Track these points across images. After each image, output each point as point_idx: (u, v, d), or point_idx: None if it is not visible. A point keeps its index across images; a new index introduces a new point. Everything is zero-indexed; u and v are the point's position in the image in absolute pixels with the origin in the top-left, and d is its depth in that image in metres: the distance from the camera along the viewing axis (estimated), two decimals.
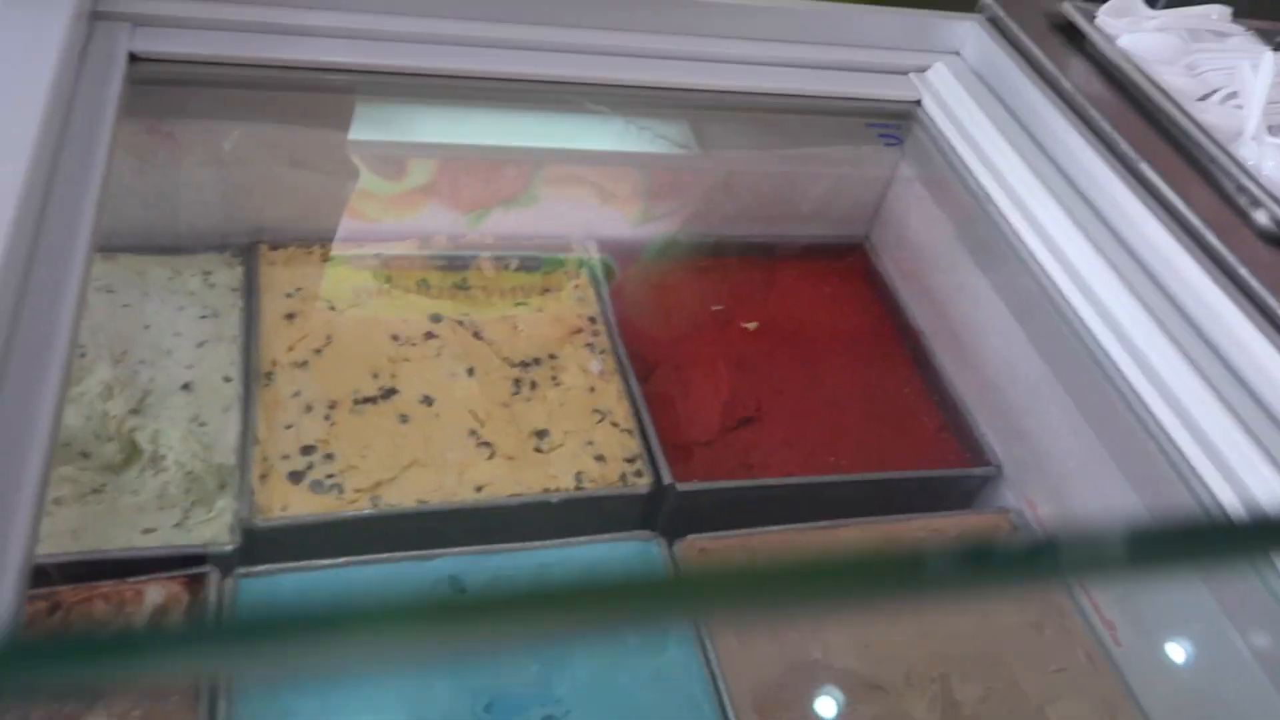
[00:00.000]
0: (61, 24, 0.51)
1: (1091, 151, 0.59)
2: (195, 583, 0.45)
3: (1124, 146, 0.58)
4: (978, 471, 0.60)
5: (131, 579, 0.44)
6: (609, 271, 0.66)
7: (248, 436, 0.51)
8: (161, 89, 0.56)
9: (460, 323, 0.60)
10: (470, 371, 0.57)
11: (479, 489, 0.51)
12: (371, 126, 0.66)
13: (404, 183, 0.66)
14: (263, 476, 0.49)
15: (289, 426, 0.52)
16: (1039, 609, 0.50)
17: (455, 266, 0.63)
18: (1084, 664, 0.49)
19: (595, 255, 0.67)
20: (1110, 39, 0.67)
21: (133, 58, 0.54)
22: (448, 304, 0.60)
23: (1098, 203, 0.58)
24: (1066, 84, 0.63)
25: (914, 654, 0.47)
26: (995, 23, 0.70)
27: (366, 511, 0.48)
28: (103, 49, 0.53)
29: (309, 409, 0.52)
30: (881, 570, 0.27)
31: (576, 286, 0.64)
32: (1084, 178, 0.59)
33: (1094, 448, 0.55)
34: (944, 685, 0.47)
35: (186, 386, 0.52)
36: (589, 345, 0.60)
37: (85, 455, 0.49)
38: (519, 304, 0.62)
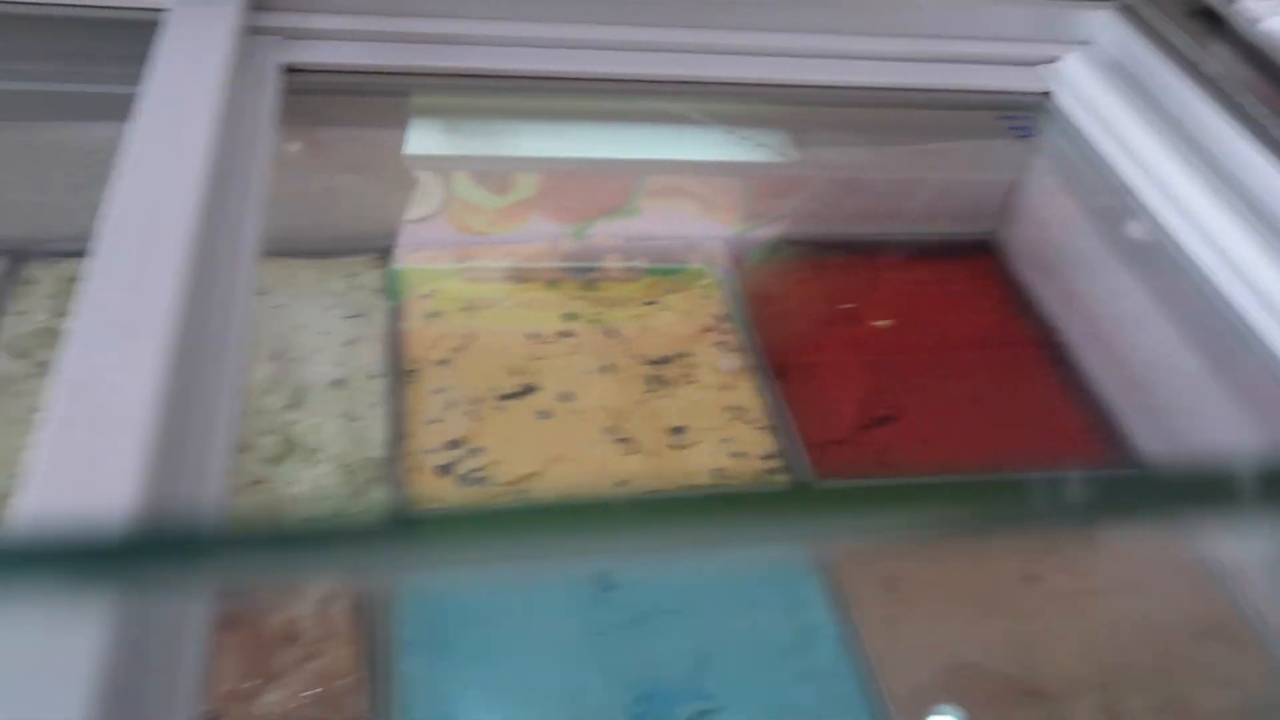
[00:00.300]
0: (223, 41, 0.53)
1: (1243, 139, 0.56)
2: None
3: (1278, 132, 0.56)
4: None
5: None
6: (738, 271, 0.66)
7: (396, 431, 0.52)
8: (312, 98, 0.58)
9: (593, 322, 0.60)
10: (605, 369, 0.57)
11: (620, 484, 0.51)
12: (493, 136, 0.68)
13: (512, 195, 0.68)
14: (412, 470, 0.51)
15: (435, 422, 0.53)
16: (1208, 619, 0.48)
17: (585, 269, 0.64)
18: (1259, 678, 0.47)
19: (722, 256, 0.67)
20: (1253, 22, 0.64)
21: (286, 69, 0.56)
22: (580, 304, 0.61)
23: (1253, 190, 0.55)
24: (1211, 70, 0.61)
25: (1077, 662, 0.46)
26: (1130, 11, 0.67)
27: (513, 505, 0.49)
28: (259, 62, 0.56)
29: (453, 405, 0.54)
30: (994, 493, 0.27)
31: (705, 286, 0.64)
32: (1236, 165, 0.57)
33: (1254, 446, 0.52)
34: (1108, 695, 0.45)
35: (337, 383, 0.54)
36: (721, 343, 0.60)
37: (245, 449, 0.51)
38: (649, 304, 0.63)
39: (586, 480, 0.51)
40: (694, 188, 0.70)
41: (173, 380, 0.38)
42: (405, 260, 0.63)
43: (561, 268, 0.64)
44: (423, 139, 0.67)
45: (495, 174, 0.68)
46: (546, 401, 0.55)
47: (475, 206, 0.67)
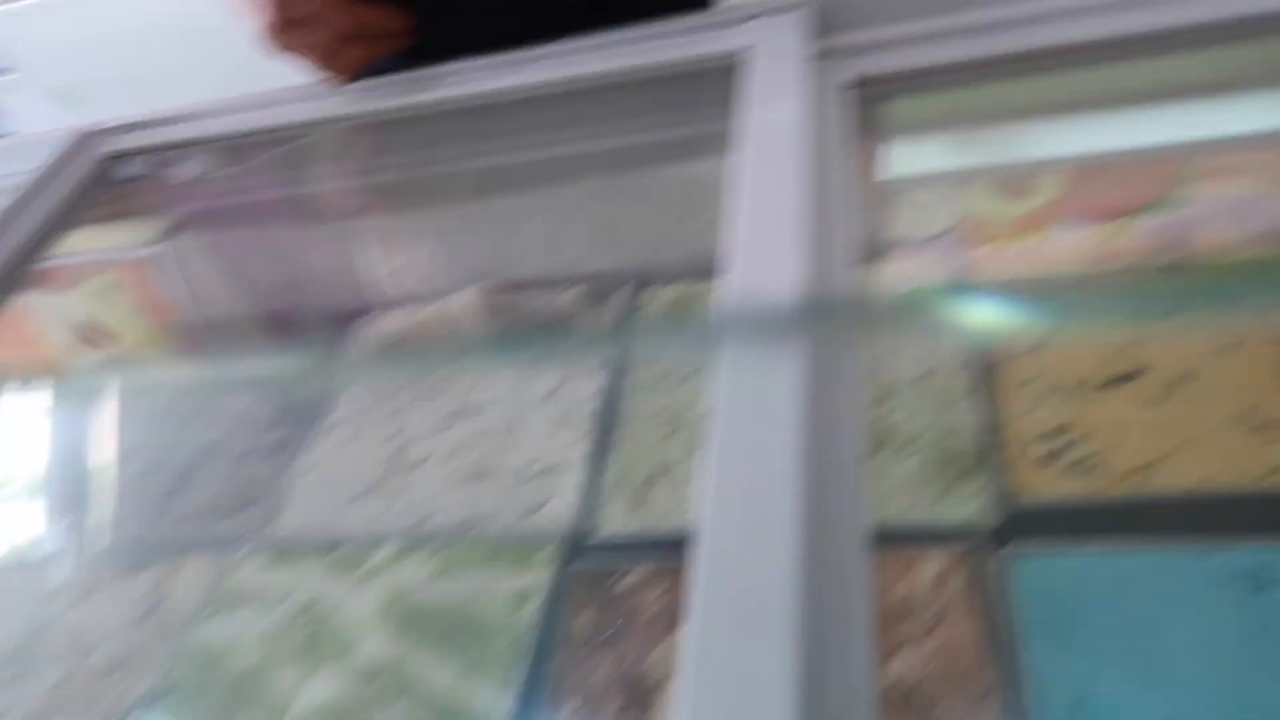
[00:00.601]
0: (800, 69, 0.58)
1: None
2: (966, 557, 0.47)
3: None
4: None
5: (909, 549, 0.48)
6: None
7: (988, 423, 0.52)
8: (879, 107, 0.61)
9: (1198, 302, 0.54)
10: (1228, 348, 0.51)
11: (1270, 474, 0.45)
12: (1012, 137, 0.65)
13: (1034, 198, 0.63)
14: (1014, 458, 0.50)
15: (1032, 410, 0.51)
16: None
17: (1175, 245, 0.58)
18: None
19: None
20: None
21: (858, 83, 0.60)
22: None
23: None
24: None
25: None
26: None
27: (1136, 496, 0.46)
28: (832, 81, 0.60)
29: (1052, 391, 0.52)
30: None
31: None
32: None
33: None
34: None
35: (923, 375, 0.56)
36: None
37: None
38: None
39: (1216, 470, 0.45)
40: (1258, 163, 0.60)
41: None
42: (947, 269, 0.62)
43: (1153, 244, 0.58)
44: (939, 148, 0.67)
45: (1014, 179, 0.65)
46: (1161, 385, 0.50)
47: (992, 217, 0.64)
